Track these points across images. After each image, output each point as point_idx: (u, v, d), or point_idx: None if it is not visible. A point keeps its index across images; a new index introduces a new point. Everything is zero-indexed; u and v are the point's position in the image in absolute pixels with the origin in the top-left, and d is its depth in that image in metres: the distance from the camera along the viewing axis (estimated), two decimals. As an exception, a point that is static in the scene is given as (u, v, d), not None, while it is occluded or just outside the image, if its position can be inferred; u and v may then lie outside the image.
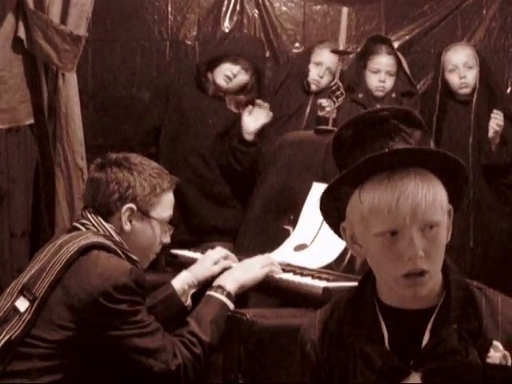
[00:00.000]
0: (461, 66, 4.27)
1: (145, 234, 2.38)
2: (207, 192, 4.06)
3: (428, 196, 1.57)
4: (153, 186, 2.36)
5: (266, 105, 4.02)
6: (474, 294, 1.65)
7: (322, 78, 4.24)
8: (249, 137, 3.97)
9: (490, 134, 4.14)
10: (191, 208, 4.02)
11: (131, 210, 2.34)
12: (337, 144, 1.70)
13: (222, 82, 3.99)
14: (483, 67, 4.33)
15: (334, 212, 1.69)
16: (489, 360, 1.58)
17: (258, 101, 4.04)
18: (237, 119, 4.01)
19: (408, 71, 4.40)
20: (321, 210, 1.71)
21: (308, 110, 4.29)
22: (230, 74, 3.97)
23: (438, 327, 1.60)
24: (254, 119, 3.96)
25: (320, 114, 4.04)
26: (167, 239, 2.47)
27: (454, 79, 4.31)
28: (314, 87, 4.29)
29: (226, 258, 2.67)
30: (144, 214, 2.36)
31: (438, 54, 4.47)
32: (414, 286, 1.57)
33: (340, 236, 1.72)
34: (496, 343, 1.59)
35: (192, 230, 4.04)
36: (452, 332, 1.58)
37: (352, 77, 4.40)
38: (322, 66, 4.23)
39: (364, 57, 4.40)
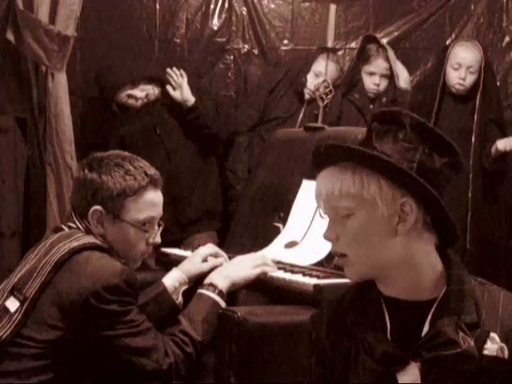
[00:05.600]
0: (464, 67, 4.25)
1: (118, 237, 2.31)
2: (193, 182, 4.19)
3: (328, 186, 1.64)
4: (122, 188, 2.26)
5: (176, 71, 4.14)
6: (475, 288, 1.67)
7: (318, 90, 4.26)
8: (189, 103, 4.11)
9: (493, 149, 4.16)
10: (180, 201, 4.12)
11: (99, 212, 2.28)
12: None
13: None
14: (488, 70, 4.31)
15: None
16: (485, 351, 1.60)
17: (169, 71, 4.14)
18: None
19: (397, 76, 4.40)
20: None
21: (301, 116, 4.31)
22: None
23: (438, 318, 1.62)
24: (179, 90, 4.11)
25: None
26: (157, 239, 2.40)
27: (453, 76, 4.28)
28: (307, 96, 4.33)
29: (215, 254, 2.66)
30: (114, 216, 2.28)
31: (443, 48, 4.47)
32: (341, 266, 1.68)
33: None
34: (493, 335, 1.61)
35: (183, 224, 4.13)
36: (450, 323, 1.60)
37: (350, 76, 4.42)
38: (321, 76, 4.24)
39: (361, 57, 4.42)
